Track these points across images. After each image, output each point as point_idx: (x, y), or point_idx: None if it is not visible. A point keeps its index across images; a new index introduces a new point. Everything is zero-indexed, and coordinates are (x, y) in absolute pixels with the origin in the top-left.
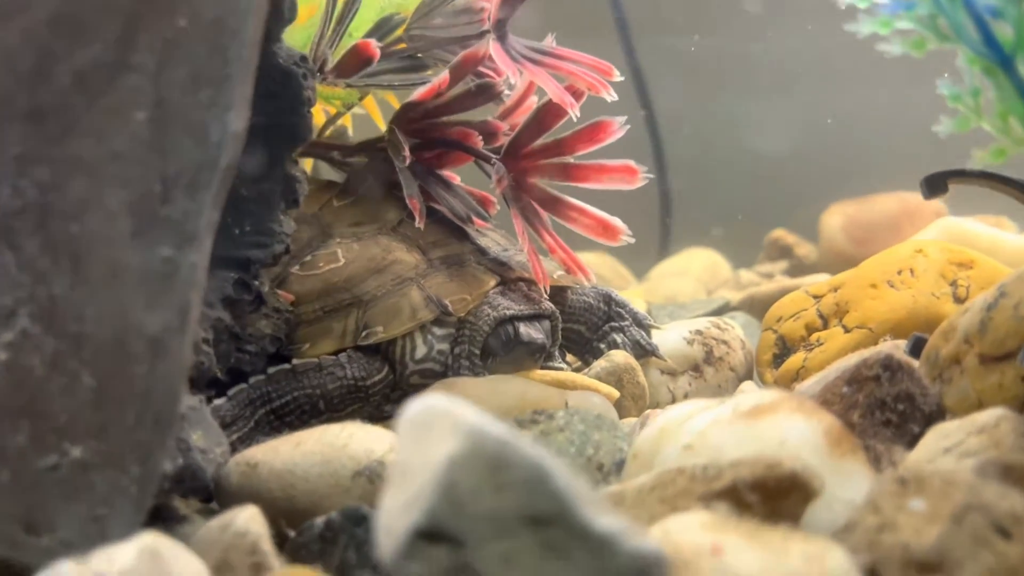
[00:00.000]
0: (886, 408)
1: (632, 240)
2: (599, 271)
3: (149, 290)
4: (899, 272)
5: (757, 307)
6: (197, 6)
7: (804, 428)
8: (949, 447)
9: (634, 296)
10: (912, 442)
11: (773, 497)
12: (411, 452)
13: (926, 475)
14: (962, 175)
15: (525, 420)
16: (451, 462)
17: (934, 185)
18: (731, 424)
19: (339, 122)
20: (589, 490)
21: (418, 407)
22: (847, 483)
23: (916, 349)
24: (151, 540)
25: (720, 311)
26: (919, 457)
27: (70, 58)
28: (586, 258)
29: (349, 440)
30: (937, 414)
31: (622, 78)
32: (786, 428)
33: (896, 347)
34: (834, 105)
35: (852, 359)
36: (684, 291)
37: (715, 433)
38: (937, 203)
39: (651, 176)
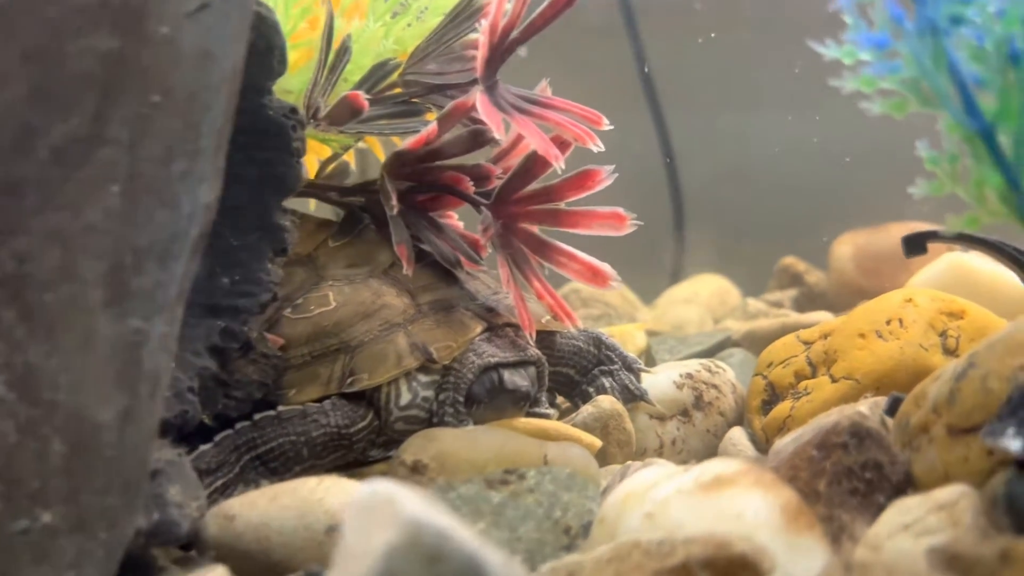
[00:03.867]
0: (853, 476)
1: (621, 285)
2: (606, 297)
3: (120, 360)
4: (888, 322)
5: (757, 343)
6: (171, 82)
7: (761, 503)
8: (908, 523)
9: (635, 331)
10: (878, 512)
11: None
12: (355, 537)
13: (870, 563)
14: (937, 237)
15: (495, 480)
16: (389, 551)
17: (913, 245)
18: (691, 495)
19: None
20: None
21: (365, 492)
22: (802, 560)
23: (893, 409)
24: None
25: (721, 346)
26: (879, 532)
27: (48, 132)
28: None
29: (325, 494)
30: (905, 483)
31: (611, 126)
32: (744, 502)
33: (876, 404)
34: (849, 129)
35: (830, 417)
36: (692, 319)
37: (676, 503)
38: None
39: (640, 223)
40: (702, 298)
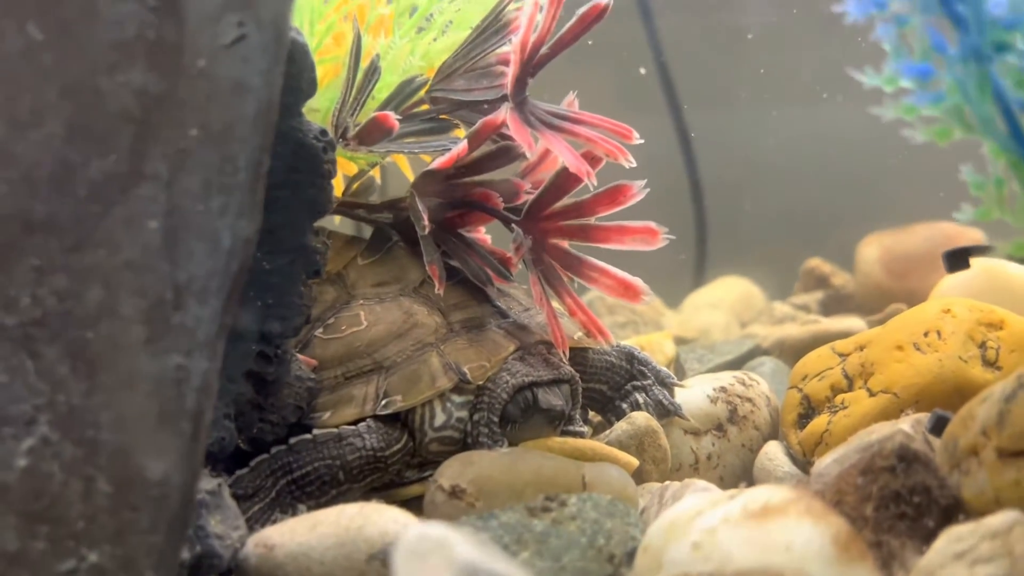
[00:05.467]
0: (901, 501)
1: (653, 299)
2: (633, 303)
3: (162, 397)
4: (926, 333)
5: (788, 352)
6: (208, 116)
7: (812, 533)
8: (961, 552)
9: (664, 340)
10: (928, 537)
11: None
12: None
13: None
14: (985, 252)
15: (537, 507)
16: None
17: (955, 261)
18: (739, 524)
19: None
20: None
21: (414, 536)
22: None
23: (937, 427)
24: None
25: (751, 354)
26: (931, 561)
27: (86, 169)
28: None
29: (364, 522)
30: (954, 508)
31: (642, 141)
32: (794, 532)
33: (918, 422)
34: (872, 127)
35: (873, 436)
36: (718, 324)
37: (723, 533)
38: (978, 235)
39: (672, 237)
40: (727, 302)
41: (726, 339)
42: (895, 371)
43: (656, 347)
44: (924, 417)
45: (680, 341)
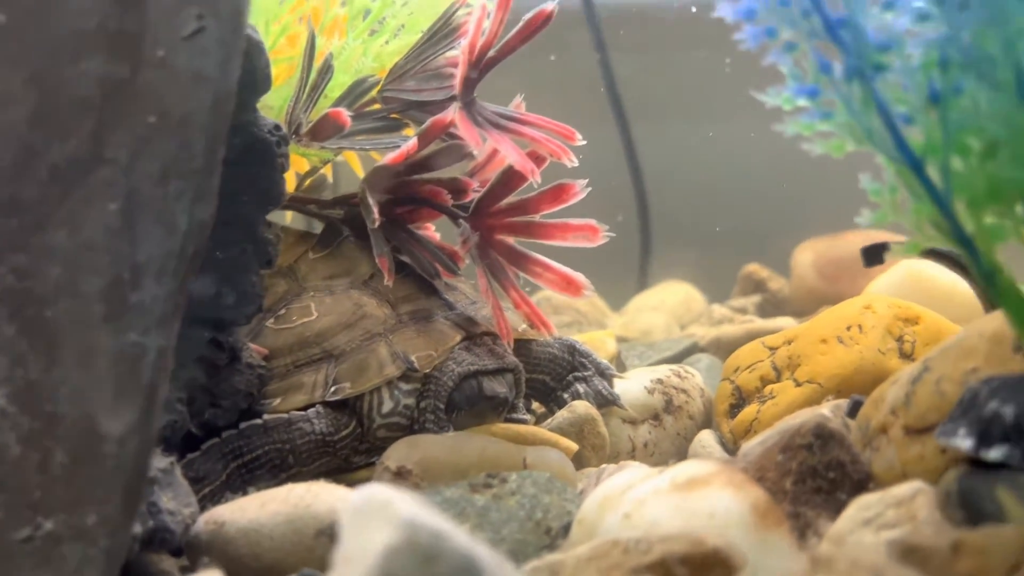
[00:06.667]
0: (817, 476)
1: (594, 294)
2: (577, 304)
3: (119, 373)
4: (848, 328)
5: (724, 349)
6: (166, 104)
7: (732, 502)
8: (869, 519)
9: (606, 337)
10: (841, 508)
11: (699, 571)
12: (353, 539)
13: (834, 556)
14: (887, 249)
15: (479, 484)
16: (387, 552)
17: (871, 255)
18: (667, 495)
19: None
20: None
21: (361, 495)
22: (771, 556)
23: (854, 411)
24: None
25: (689, 351)
26: (841, 528)
27: (47, 153)
28: None
29: (313, 500)
30: (865, 481)
31: (584, 142)
32: (716, 502)
33: (838, 407)
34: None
35: (794, 419)
36: (659, 325)
37: (652, 503)
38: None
39: (612, 235)
40: (668, 305)
41: (667, 338)
42: (819, 363)
43: (599, 344)
44: (844, 403)
45: (622, 340)
